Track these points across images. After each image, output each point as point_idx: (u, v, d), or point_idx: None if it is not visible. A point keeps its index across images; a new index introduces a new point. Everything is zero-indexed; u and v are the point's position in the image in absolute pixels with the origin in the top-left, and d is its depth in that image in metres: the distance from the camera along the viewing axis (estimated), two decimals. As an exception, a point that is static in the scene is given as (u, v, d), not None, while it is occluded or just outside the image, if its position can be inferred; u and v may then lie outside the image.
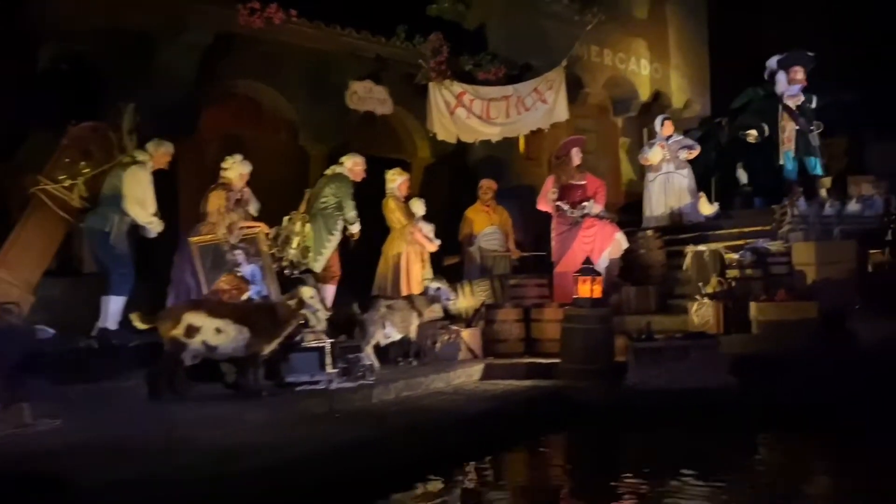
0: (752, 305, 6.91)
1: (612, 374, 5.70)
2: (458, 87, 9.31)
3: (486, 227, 8.83)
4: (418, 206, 7.87)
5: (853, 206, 7.92)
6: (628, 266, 8.61)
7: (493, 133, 9.46)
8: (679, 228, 9.68)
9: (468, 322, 7.10)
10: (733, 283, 7.34)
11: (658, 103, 11.95)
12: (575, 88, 10.70)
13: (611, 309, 6.20)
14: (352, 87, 8.55)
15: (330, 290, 7.52)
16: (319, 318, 4.99)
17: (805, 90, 10.13)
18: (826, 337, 6.67)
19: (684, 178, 10.28)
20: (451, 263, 9.07)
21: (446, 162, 10.17)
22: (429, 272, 7.74)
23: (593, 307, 5.97)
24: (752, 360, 6.12)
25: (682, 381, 5.45)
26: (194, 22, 7.58)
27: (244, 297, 5.54)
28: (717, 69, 12.81)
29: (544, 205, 8.25)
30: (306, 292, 4.91)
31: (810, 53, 10.06)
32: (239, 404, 4.70)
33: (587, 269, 6.14)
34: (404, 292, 7.25)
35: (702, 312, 6.98)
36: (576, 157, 8.19)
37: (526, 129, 9.77)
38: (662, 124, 10.44)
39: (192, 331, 4.67)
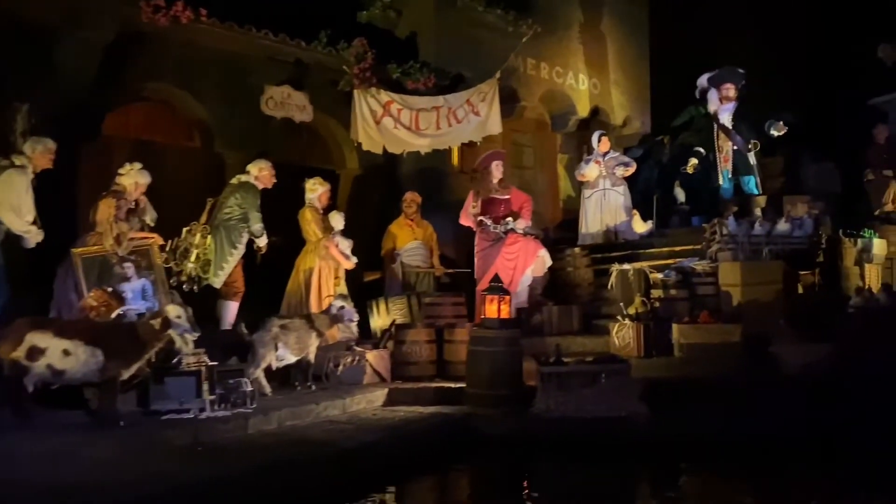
0: (675, 328, 6.62)
1: (519, 400, 5.31)
2: (385, 96, 8.93)
3: (410, 241, 8.43)
4: (337, 220, 7.44)
5: (782, 226, 7.71)
6: (555, 285, 8.29)
7: (422, 144, 9.08)
8: (612, 246, 9.44)
9: (376, 343, 6.66)
10: (657, 304, 7.04)
11: (597, 119, 11.73)
12: (510, 101, 10.43)
13: (519, 330, 5.81)
14: (267, 91, 8.10)
15: (232, 307, 7.04)
16: (187, 339, 4.50)
17: (739, 107, 10.03)
18: (750, 361, 6.39)
19: (620, 196, 10.08)
20: (371, 279, 8.64)
21: (376, 174, 9.75)
22: (343, 290, 7.30)
23: (501, 328, 5.58)
24: (669, 385, 5.80)
25: (592, 409, 5.09)
26: (93, 17, 7.06)
27: (114, 314, 5.02)
28: (657, 86, 12.68)
29: (466, 219, 7.88)
30: (172, 311, 4.43)
31: (740, 70, 9.94)
32: (89, 435, 4.19)
33: (495, 287, 5.75)
34: (314, 311, 6.80)
35: (622, 334, 6.65)
36: (496, 171, 7.84)
37: (457, 142, 9.42)
38: (599, 140, 10.24)
39: (35, 353, 4.16)
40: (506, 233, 7.56)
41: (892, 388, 5.38)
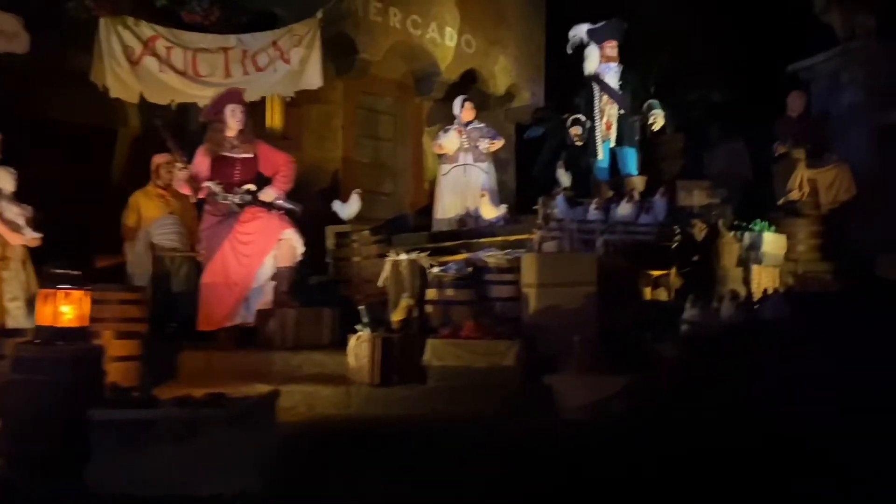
0: (428, 344, 4.59)
1: (77, 461, 3.26)
2: (147, 30, 6.95)
3: (161, 216, 6.43)
4: (3, 179, 5.43)
5: (624, 210, 5.69)
6: (344, 281, 6.29)
7: (203, 95, 7.05)
8: (450, 235, 7.47)
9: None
10: (429, 309, 5.03)
11: (475, 87, 9.68)
12: (347, 53, 8.42)
13: (96, 347, 3.72)
14: (-48, 11, 6.11)
15: None
16: None
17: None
18: (523, 397, 4.38)
19: (483, 174, 8.15)
20: (107, 265, 6.63)
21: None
22: (22, 282, 5.33)
23: (56, 343, 3.55)
24: (359, 436, 3.78)
25: (177, 482, 3.07)
26: None
27: None
28: (558, 52, 10.57)
29: (185, 186, 5.84)
30: None
31: (624, 24, 7.95)
32: None
33: (58, 275, 3.67)
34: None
35: (360, 352, 4.63)
36: (232, 118, 5.77)
37: (256, 95, 7.42)
38: (462, 106, 8.31)
39: None
40: (241, 205, 5.52)
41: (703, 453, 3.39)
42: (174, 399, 3.42)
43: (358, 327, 4.73)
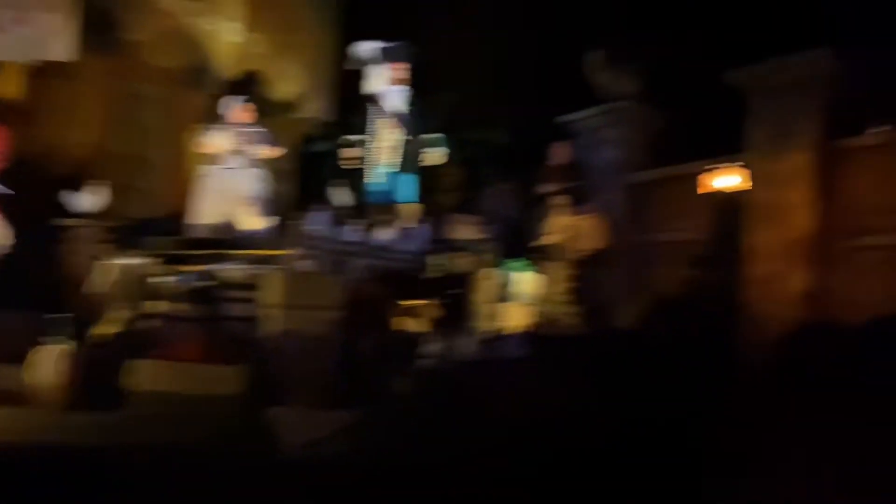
0: (136, 365, 3.99)
1: None
2: None
3: None
4: None
5: (385, 235, 5.49)
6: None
7: None
8: (202, 242, 6.80)
9: None
10: (151, 324, 4.41)
11: (260, 90, 9.08)
12: (106, 31, 7.50)
13: None
14: None
15: None
16: None
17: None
18: (241, 432, 3.92)
19: (253, 181, 7.55)
20: None
21: None
22: None
23: None
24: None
25: None
26: None
27: None
28: (354, 71, 10.34)
29: None
30: None
31: (416, 48, 7.93)
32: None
33: None
34: None
35: (45, 369, 3.90)
36: None
37: (-16, 56, 6.33)
38: (235, 107, 7.77)
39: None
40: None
41: None
42: None
43: (47, 339, 3.99)
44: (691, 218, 7.28)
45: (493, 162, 9.92)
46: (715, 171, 6.94)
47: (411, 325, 5.61)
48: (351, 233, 5.51)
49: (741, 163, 6.77)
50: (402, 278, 5.41)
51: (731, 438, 3.64)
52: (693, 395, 3.97)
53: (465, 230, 7.28)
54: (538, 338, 5.25)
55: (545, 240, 7.35)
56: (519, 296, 6.55)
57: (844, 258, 6.08)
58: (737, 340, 5.74)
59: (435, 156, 7.76)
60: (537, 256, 7.28)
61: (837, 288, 6.09)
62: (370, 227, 5.79)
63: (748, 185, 6.64)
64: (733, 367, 4.90)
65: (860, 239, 6.03)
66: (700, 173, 7.17)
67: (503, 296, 6.38)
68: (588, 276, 7.45)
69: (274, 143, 7.91)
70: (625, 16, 9.83)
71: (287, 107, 9.53)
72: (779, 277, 6.24)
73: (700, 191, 7.15)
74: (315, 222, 5.40)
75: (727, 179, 6.85)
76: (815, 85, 6.22)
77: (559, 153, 7.97)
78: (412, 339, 4.99)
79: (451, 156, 8.51)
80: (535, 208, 7.92)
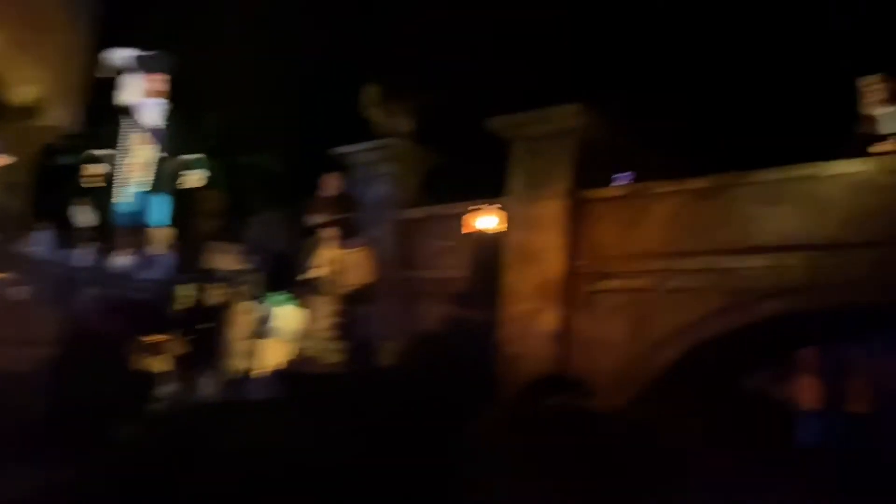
0: None
1: None
2: None
3: None
4: None
5: (123, 261, 4.88)
6: None
7: None
8: None
9: None
10: None
11: (-10, 89, 7.86)
12: None
13: None
14: None
15: None
16: None
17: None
18: None
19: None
20: None
21: None
22: None
23: None
24: None
25: None
26: None
27: None
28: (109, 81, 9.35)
29: None
30: None
31: (175, 59, 7.34)
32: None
33: None
34: None
35: None
36: None
37: None
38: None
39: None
40: None
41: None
42: None
43: None
44: (455, 256, 7.45)
45: (263, 189, 9.50)
46: (477, 212, 7.16)
47: (152, 363, 5.02)
48: (81, 257, 4.82)
49: (499, 205, 7.05)
50: (141, 310, 4.81)
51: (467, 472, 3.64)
52: (439, 433, 3.93)
53: (223, 259, 6.78)
54: (292, 376, 4.95)
55: (312, 272, 7.08)
56: (279, 331, 6.19)
57: (588, 300, 6.51)
58: (490, 378, 5.88)
59: (194, 177, 7.14)
60: (302, 290, 6.98)
61: (583, 328, 6.50)
62: (107, 251, 5.11)
63: (505, 227, 6.92)
64: (483, 404, 4.98)
65: (603, 282, 6.50)
66: (464, 213, 7.37)
67: (262, 331, 5.98)
68: (354, 311, 7.30)
69: (1, 151, 6.89)
70: (401, 54, 10.02)
71: (24, 112, 8.37)
72: (531, 316, 6.53)
73: (464, 230, 7.33)
74: (38, 243, 4.64)
75: (487, 220, 7.10)
76: (566, 136, 6.67)
77: (330, 184, 7.78)
78: (145, 380, 4.43)
79: (213, 179, 7.97)
80: (302, 240, 7.64)
